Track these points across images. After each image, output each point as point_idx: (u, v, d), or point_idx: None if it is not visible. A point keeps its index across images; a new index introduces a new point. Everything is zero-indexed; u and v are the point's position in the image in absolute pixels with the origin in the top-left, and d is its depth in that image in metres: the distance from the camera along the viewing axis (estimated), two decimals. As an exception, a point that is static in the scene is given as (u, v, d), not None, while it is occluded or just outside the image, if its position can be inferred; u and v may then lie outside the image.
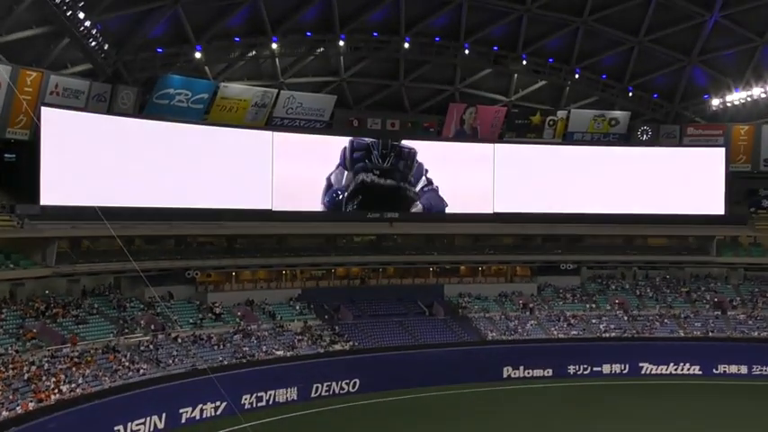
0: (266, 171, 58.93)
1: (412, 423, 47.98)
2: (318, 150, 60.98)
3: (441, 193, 64.22)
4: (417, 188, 63.62)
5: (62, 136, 47.80)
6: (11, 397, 37.88)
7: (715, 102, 65.95)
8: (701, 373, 59.41)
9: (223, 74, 58.29)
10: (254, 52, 57.17)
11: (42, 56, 47.35)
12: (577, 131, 68.14)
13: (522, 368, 58.69)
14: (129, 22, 49.71)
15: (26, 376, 40.15)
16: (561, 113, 67.99)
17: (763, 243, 68.96)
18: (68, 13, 43.39)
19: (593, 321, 62.86)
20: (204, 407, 46.18)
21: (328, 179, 60.99)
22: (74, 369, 42.39)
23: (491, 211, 65.85)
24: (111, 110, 51.73)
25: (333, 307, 60.44)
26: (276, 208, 59.31)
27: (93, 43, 47.36)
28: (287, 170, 59.57)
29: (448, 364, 56.50)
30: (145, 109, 54.06)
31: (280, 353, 52.68)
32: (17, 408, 37.38)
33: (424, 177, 63.51)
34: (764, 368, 59.09)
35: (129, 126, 52.79)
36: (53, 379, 40.71)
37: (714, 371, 59.40)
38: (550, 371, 59.00)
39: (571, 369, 59.30)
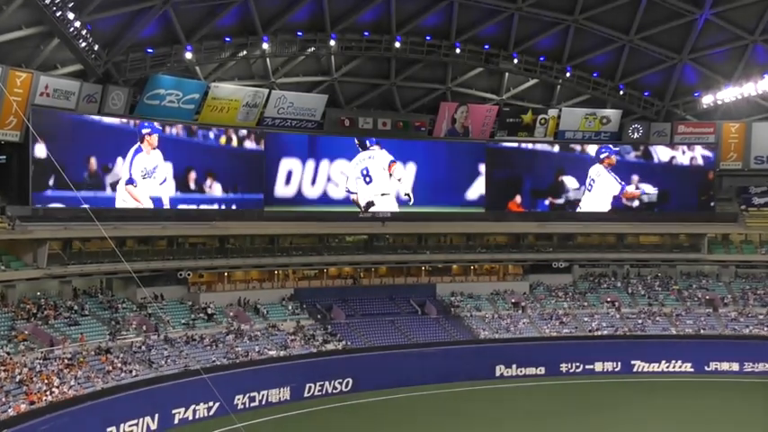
0: (260, 171, 59.37)
1: (405, 422, 48.08)
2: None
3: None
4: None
5: (53, 137, 47.68)
6: (3, 399, 37.84)
7: (706, 99, 66.05)
8: (692, 370, 59.67)
9: (214, 74, 58.15)
10: (244, 52, 56.99)
11: (32, 57, 47.11)
12: (569, 130, 68.16)
13: (514, 367, 58.84)
14: (120, 22, 49.44)
15: (18, 378, 40.06)
16: (552, 112, 68.01)
17: (753, 240, 69.30)
18: (58, 14, 43.20)
19: (585, 319, 62.99)
20: (197, 407, 46.21)
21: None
22: (66, 371, 42.32)
23: (482, 210, 66.07)
24: (101, 111, 51.65)
25: (325, 306, 60.47)
26: (267, 208, 59.56)
27: (84, 44, 47.16)
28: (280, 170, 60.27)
29: (440, 363, 56.67)
30: (136, 110, 53.89)
31: (272, 353, 52.68)
32: (9, 410, 37.32)
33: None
34: (756, 365, 59.34)
35: (120, 127, 52.91)
36: (45, 381, 40.64)
37: (706, 368, 59.69)
38: (543, 369, 59.16)
39: (563, 367, 59.47)
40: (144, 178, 53.88)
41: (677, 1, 59.74)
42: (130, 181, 53.05)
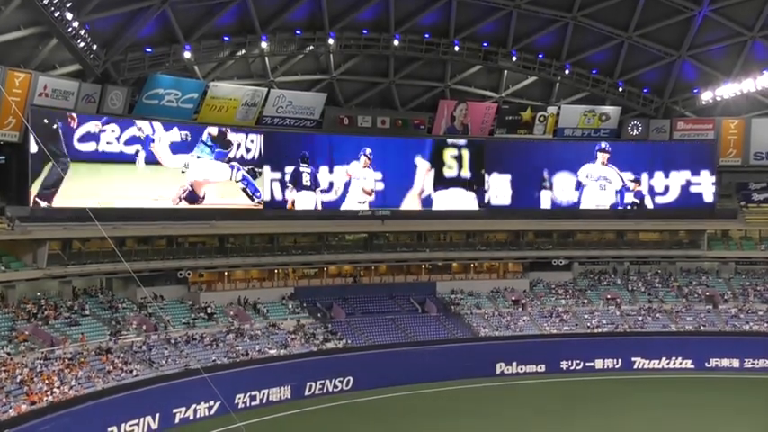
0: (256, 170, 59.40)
1: (405, 420, 48.06)
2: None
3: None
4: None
5: (51, 137, 47.66)
6: (4, 400, 37.84)
7: (705, 96, 65.99)
8: (693, 367, 59.64)
9: (213, 73, 58.10)
10: (243, 51, 56.99)
11: (30, 57, 47.08)
12: (568, 127, 68.12)
13: (514, 364, 58.85)
14: (118, 22, 49.41)
15: (19, 379, 40.07)
16: (552, 109, 67.97)
17: (753, 236, 69.27)
18: (56, 14, 43.18)
19: (585, 317, 63.00)
20: (198, 407, 46.24)
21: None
22: (67, 371, 42.33)
23: (483, 208, 66.10)
24: (100, 111, 51.63)
25: (325, 305, 60.50)
26: (267, 207, 59.58)
27: (82, 44, 47.11)
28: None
29: (441, 361, 56.64)
30: (134, 109, 53.86)
31: (273, 352, 52.70)
32: (10, 410, 37.31)
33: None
34: (756, 361, 59.34)
35: (119, 126, 52.86)
36: (46, 381, 40.65)
37: (706, 365, 59.65)
38: (543, 366, 59.19)
39: (564, 364, 59.52)
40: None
41: (676, -3, 59.82)
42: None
